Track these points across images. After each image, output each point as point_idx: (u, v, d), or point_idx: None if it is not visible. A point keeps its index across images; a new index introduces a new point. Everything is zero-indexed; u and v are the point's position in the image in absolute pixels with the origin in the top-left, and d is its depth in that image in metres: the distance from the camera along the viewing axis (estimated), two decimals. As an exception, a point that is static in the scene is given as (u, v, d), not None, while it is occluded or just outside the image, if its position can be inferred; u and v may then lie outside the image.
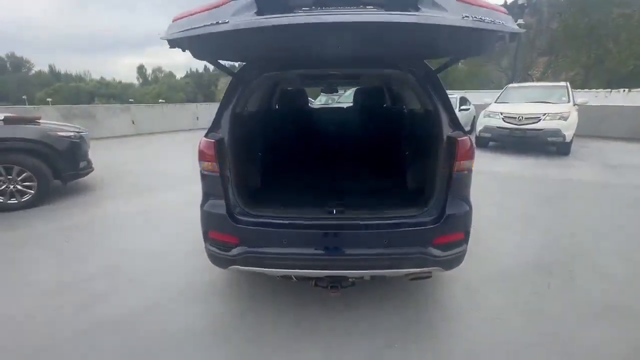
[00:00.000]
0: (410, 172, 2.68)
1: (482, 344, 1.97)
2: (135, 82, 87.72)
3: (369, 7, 1.61)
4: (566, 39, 25.15)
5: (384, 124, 3.47)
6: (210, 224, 2.03)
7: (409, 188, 2.64)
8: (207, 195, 2.04)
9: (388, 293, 2.43)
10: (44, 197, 4.49)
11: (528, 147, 8.21)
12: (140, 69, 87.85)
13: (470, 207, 1.99)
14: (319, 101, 12.07)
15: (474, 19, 1.43)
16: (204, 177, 2.02)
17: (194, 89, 72.70)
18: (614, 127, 10.61)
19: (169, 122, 14.66)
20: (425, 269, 1.95)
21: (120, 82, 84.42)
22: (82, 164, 5.06)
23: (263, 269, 1.99)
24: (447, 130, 1.98)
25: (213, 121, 2.09)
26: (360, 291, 2.42)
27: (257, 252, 1.94)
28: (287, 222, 1.94)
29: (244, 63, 2.25)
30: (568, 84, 8.79)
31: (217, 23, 1.46)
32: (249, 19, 1.49)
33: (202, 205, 2.04)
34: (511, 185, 5.42)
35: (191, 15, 1.59)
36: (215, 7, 1.58)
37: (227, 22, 1.46)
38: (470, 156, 1.91)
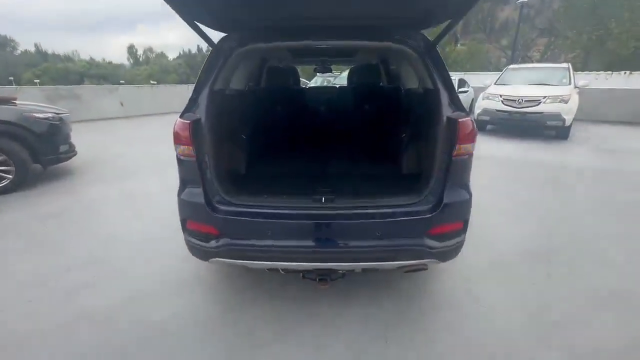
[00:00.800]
0: (406, 156, 2.50)
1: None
2: (126, 62, 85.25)
3: None
4: (568, 19, 24.49)
5: (379, 104, 3.25)
6: (188, 213, 1.87)
7: (405, 174, 2.48)
8: (184, 182, 1.87)
9: (380, 284, 2.32)
10: (22, 182, 4.27)
11: (526, 131, 8.05)
12: (131, 49, 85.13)
13: (470, 194, 1.84)
14: (314, 83, 11.66)
15: None
16: (180, 162, 1.84)
17: (186, 70, 70.74)
18: (614, 110, 10.44)
19: (160, 104, 14.21)
20: (421, 262, 1.82)
21: (110, 63, 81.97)
22: (62, 148, 4.81)
23: (246, 261, 1.84)
24: (447, 111, 1.80)
25: (190, 99, 1.89)
26: (351, 282, 2.31)
27: (240, 244, 1.79)
28: (271, 211, 1.77)
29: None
30: (569, 65, 8.55)
31: None
32: None
33: (179, 193, 1.87)
34: (509, 170, 5.29)
35: None
36: None
37: None
38: (471, 139, 1.74)
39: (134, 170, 5.24)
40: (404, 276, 2.36)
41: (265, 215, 1.77)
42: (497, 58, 35.37)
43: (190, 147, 1.75)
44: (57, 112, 4.89)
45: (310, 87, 4.34)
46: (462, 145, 1.72)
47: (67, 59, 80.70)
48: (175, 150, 1.81)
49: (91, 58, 79.74)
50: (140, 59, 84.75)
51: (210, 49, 1.98)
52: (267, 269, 2.07)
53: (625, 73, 14.40)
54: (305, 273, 1.95)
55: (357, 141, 3.44)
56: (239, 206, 1.80)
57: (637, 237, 3.03)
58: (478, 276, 2.42)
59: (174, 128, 1.77)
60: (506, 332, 1.91)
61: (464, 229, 1.89)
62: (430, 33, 2.06)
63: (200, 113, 1.85)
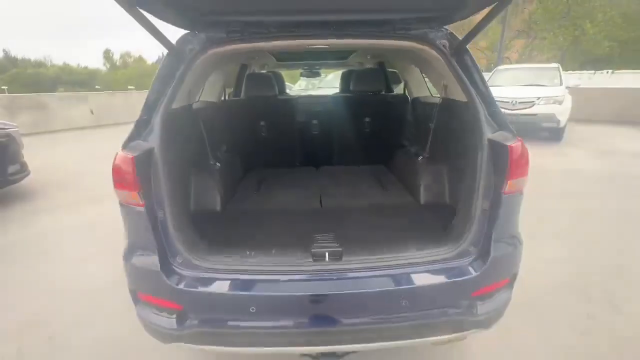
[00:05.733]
0: (425, 186, 2.00)
1: None
2: (103, 67, 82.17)
3: None
4: (544, 20, 25.01)
5: (385, 117, 2.71)
6: (139, 283, 1.34)
7: (424, 209, 1.97)
8: (131, 240, 1.33)
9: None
10: (-43, 213, 3.59)
11: (520, 133, 7.79)
12: (107, 54, 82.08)
13: (521, 242, 1.40)
14: (299, 86, 11.13)
15: None
16: (124, 212, 1.31)
17: (166, 75, 68.57)
18: (601, 110, 10.42)
19: (135, 111, 13.16)
20: (462, 334, 1.35)
21: (86, 68, 78.77)
22: (11, 169, 4.14)
23: (222, 347, 1.32)
24: (488, 131, 1.35)
25: (137, 122, 1.37)
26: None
27: (212, 324, 1.28)
28: (256, 277, 1.27)
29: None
30: (559, 65, 8.42)
31: None
32: None
33: (125, 255, 1.33)
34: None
35: None
36: None
37: None
38: (525, 170, 1.30)
39: (99, 193, 4.52)
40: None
41: (248, 285, 1.25)
42: (478, 59, 35.97)
43: (136, 192, 1.22)
44: (4, 127, 4.21)
45: (299, 97, 3.69)
46: (514, 180, 1.27)
47: (39, 64, 77.01)
48: (117, 196, 1.28)
49: (65, 63, 76.43)
50: (118, 64, 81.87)
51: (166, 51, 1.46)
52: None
53: (607, 72, 14.60)
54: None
55: (360, 163, 2.82)
56: (210, 271, 1.28)
57: None
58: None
59: (113, 164, 1.25)
60: None
61: (511, 284, 1.44)
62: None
63: (154, 140, 1.33)
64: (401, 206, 2.03)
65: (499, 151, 1.28)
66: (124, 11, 1.13)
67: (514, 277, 1.43)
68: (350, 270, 1.27)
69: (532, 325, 1.99)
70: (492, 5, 1.29)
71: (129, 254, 1.31)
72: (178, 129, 1.48)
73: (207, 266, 1.29)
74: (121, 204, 1.30)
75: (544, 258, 2.69)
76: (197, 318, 1.27)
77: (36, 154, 4.48)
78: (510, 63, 26.43)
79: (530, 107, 7.26)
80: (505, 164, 1.26)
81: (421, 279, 1.27)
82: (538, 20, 25.99)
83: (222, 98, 2.53)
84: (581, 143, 7.29)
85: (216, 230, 1.69)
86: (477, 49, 35.64)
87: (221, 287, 1.26)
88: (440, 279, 1.28)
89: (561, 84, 7.77)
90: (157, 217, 1.29)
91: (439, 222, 1.60)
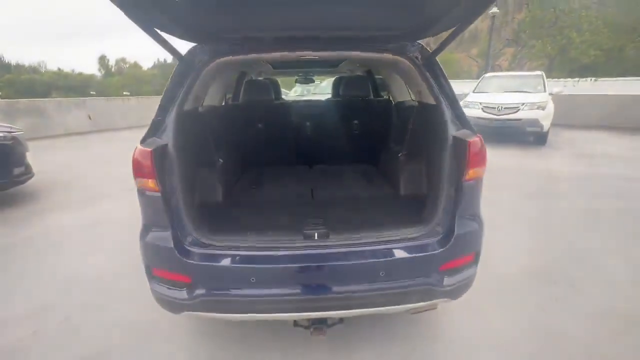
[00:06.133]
0: (404, 178, 2.27)
1: None
2: (98, 73, 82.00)
3: None
4: (532, 29, 25.81)
5: (371, 119, 3.01)
6: (153, 259, 1.55)
7: (404, 199, 2.24)
8: (147, 222, 1.55)
9: (381, 323, 2.06)
10: (-35, 212, 3.75)
11: (506, 137, 8.15)
12: (102, 60, 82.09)
13: (482, 222, 1.64)
14: (294, 92, 11.45)
15: None
16: (142, 197, 1.52)
17: (161, 81, 68.79)
18: (585, 115, 10.84)
19: (133, 117, 13.50)
20: (432, 302, 1.58)
21: (80, 74, 78.56)
22: (17, 170, 4.30)
23: (225, 314, 1.54)
24: (452, 129, 1.60)
25: (153, 122, 1.59)
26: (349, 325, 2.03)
27: (217, 294, 1.49)
28: (254, 253, 1.49)
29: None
30: (543, 73, 8.81)
31: None
32: None
33: (141, 235, 1.55)
34: (494, 178, 5.24)
35: None
36: None
37: None
38: (482, 161, 1.54)
39: (100, 194, 4.73)
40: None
41: (248, 259, 1.48)
42: (469, 66, 36.73)
43: (154, 180, 1.44)
44: (10, 130, 4.38)
45: (294, 101, 4.01)
46: (473, 169, 1.52)
47: (33, 70, 76.69)
48: (136, 183, 1.50)
49: (59, 69, 76.20)
50: (113, 70, 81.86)
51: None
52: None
53: (591, 80, 15.16)
54: (298, 320, 1.67)
55: (349, 161, 3.13)
56: (216, 248, 1.50)
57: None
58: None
59: (133, 156, 1.46)
60: None
61: (475, 261, 1.67)
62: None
63: (167, 137, 1.55)
64: (383, 197, 2.29)
65: (461, 146, 1.53)
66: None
67: (477, 254, 1.66)
68: (336, 246, 1.50)
69: (504, 306, 2.23)
70: (454, 28, 1.56)
71: (145, 234, 1.53)
72: (187, 129, 1.70)
73: (213, 244, 1.51)
74: (139, 192, 1.52)
75: (514, 247, 2.95)
76: (205, 289, 1.49)
77: (37, 158, 4.63)
78: (501, 70, 27.20)
79: (515, 112, 7.60)
80: (466, 156, 1.50)
81: (396, 254, 1.50)
82: (527, 29, 26.88)
83: (223, 102, 2.77)
84: (564, 147, 7.63)
85: (220, 216, 1.91)
86: (468, 56, 36.47)
87: (225, 261, 1.48)
88: (413, 254, 1.52)
89: (544, 90, 8.14)
90: (171, 203, 1.51)
91: (415, 208, 1.83)
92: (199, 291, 1.48)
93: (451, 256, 1.54)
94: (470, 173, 1.52)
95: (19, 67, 76.90)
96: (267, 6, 1.44)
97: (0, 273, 2.75)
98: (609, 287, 2.40)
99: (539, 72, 8.96)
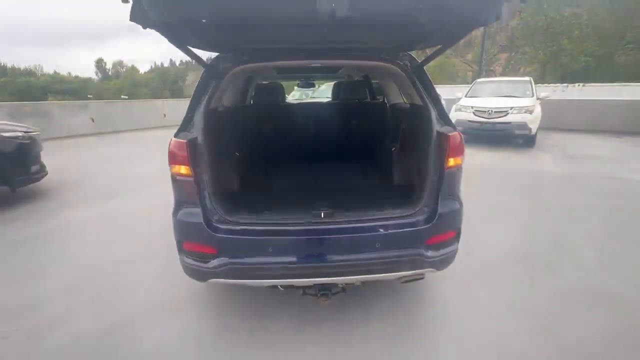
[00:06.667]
0: (397, 169, 2.60)
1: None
2: (94, 76, 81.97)
3: None
4: (525, 36, 26.49)
5: (368, 119, 3.38)
6: (185, 234, 1.83)
7: (398, 186, 2.57)
8: (180, 202, 1.83)
9: (379, 295, 2.35)
10: (-12, 206, 3.99)
11: (496, 140, 8.51)
12: (99, 63, 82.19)
13: (461, 204, 1.94)
14: (293, 96, 11.79)
15: None
16: (175, 182, 1.81)
17: (159, 85, 68.97)
18: (573, 119, 11.26)
19: (134, 120, 13.76)
20: (419, 271, 1.87)
21: (77, 77, 78.52)
22: (33, 168, 4.56)
23: (246, 280, 1.82)
24: (436, 126, 1.90)
25: (184, 119, 1.88)
26: (350, 295, 2.32)
27: (239, 262, 1.77)
28: (271, 228, 1.78)
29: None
30: (531, 79, 9.22)
31: None
32: None
33: (174, 213, 1.83)
34: (484, 178, 5.57)
35: None
36: None
37: None
38: (461, 152, 1.85)
39: (110, 191, 5.00)
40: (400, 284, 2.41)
41: (265, 233, 1.77)
42: (464, 71, 37.44)
43: (188, 167, 1.73)
44: (27, 130, 4.64)
45: (298, 103, 4.42)
46: (452, 158, 1.82)
47: (29, 73, 76.51)
48: (170, 170, 1.78)
49: (55, 72, 76.10)
50: (110, 73, 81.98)
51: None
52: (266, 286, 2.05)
53: (579, 85, 15.66)
54: (306, 289, 1.95)
55: (349, 155, 3.51)
56: (237, 224, 1.79)
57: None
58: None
59: (169, 147, 1.75)
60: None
61: (457, 238, 1.97)
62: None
63: (197, 132, 1.84)
64: (379, 185, 2.63)
65: (443, 139, 1.83)
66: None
67: (458, 231, 1.96)
68: (339, 222, 1.80)
69: (486, 283, 2.53)
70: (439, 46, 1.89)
71: (179, 212, 1.81)
72: (211, 125, 1.98)
73: (235, 221, 1.80)
74: (173, 178, 1.80)
75: (500, 237, 3.26)
76: (228, 258, 1.77)
77: (47, 158, 4.88)
78: (495, 75, 27.83)
79: (504, 116, 7.97)
80: (447, 148, 1.81)
81: (390, 229, 1.80)
82: (519, 35, 27.58)
83: (236, 104, 3.08)
84: (552, 149, 8.00)
85: (238, 200, 2.21)
86: (463, 62, 37.07)
87: (248, 235, 1.76)
88: (404, 229, 1.82)
89: (533, 95, 8.54)
90: (200, 186, 1.79)
91: (406, 194, 2.14)
92: (224, 260, 1.76)
93: (436, 231, 1.84)
94: (451, 162, 1.83)
95: (14, 70, 76.70)
96: (279, 24, 1.73)
97: (33, 257, 3.01)
98: (581, 270, 2.71)
99: (527, 78, 9.38)
